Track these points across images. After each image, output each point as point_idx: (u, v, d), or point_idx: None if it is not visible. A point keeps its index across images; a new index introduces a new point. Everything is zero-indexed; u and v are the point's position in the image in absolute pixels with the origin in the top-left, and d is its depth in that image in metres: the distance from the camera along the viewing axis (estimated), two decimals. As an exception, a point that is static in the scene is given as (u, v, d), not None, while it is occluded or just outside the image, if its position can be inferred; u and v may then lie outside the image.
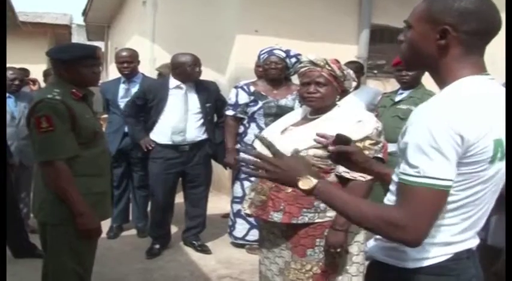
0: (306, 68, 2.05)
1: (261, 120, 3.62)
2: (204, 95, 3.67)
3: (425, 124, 1.06)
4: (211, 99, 3.72)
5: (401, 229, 1.06)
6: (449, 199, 1.11)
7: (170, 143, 3.60)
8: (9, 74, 3.82)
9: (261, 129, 3.51)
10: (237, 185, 3.74)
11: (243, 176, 3.66)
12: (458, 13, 1.11)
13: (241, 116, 3.68)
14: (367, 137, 1.91)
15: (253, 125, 3.65)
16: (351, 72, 2.11)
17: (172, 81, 3.62)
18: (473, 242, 1.22)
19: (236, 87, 3.77)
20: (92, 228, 2.18)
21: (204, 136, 3.69)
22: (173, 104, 3.60)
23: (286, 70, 3.69)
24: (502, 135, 1.11)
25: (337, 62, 2.07)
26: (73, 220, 2.13)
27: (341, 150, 1.45)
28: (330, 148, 1.49)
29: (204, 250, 3.78)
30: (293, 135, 2.04)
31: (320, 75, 2.01)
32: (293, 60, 3.66)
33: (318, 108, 2.06)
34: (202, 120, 3.67)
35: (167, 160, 3.62)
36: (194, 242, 3.82)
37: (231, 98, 3.73)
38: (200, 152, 3.70)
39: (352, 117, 1.96)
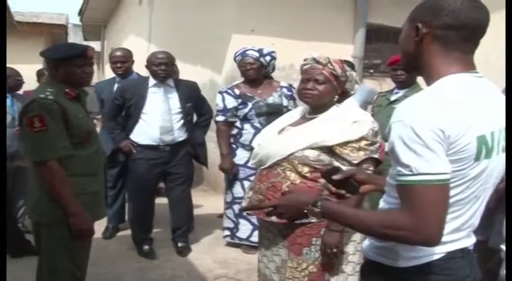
0: (308, 65, 2.06)
1: (254, 120, 3.62)
2: (184, 94, 3.64)
3: (407, 122, 1.07)
4: (191, 99, 3.69)
5: (412, 232, 1.05)
6: None
7: (154, 143, 3.54)
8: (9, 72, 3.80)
9: (256, 129, 3.51)
10: (238, 186, 3.69)
11: (241, 176, 3.65)
12: (430, 10, 1.15)
13: (233, 120, 3.66)
14: (362, 138, 1.92)
15: (247, 125, 3.63)
16: (354, 74, 2.11)
17: (151, 80, 3.59)
18: (468, 242, 1.22)
19: (220, 92, 3.73)
20: (85, 228, 2.17)
21: (185, 136, 3.65)
22: (153, 103, 3.55)
23: (264, 69, 3.69)
24: (485, 132, 1.11)
25: (341, 62, 2.08)
26: (66, 220, 2.12)
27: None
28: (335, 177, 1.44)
29: (180, 251, 3.66)
30: (290, 135, 2.04)
31: (320, 73, 2.01)
32: (268, 58, 3.67)
33: (313, 105, 2.06)
34: (183, 120, 3.63)
35: (148, 161, 3.56)
36: (179, 243, 3.71)
37: (218, 104, 3.69)
38: (181, 152, 3.65)
39: (348, 118, 1.96)
